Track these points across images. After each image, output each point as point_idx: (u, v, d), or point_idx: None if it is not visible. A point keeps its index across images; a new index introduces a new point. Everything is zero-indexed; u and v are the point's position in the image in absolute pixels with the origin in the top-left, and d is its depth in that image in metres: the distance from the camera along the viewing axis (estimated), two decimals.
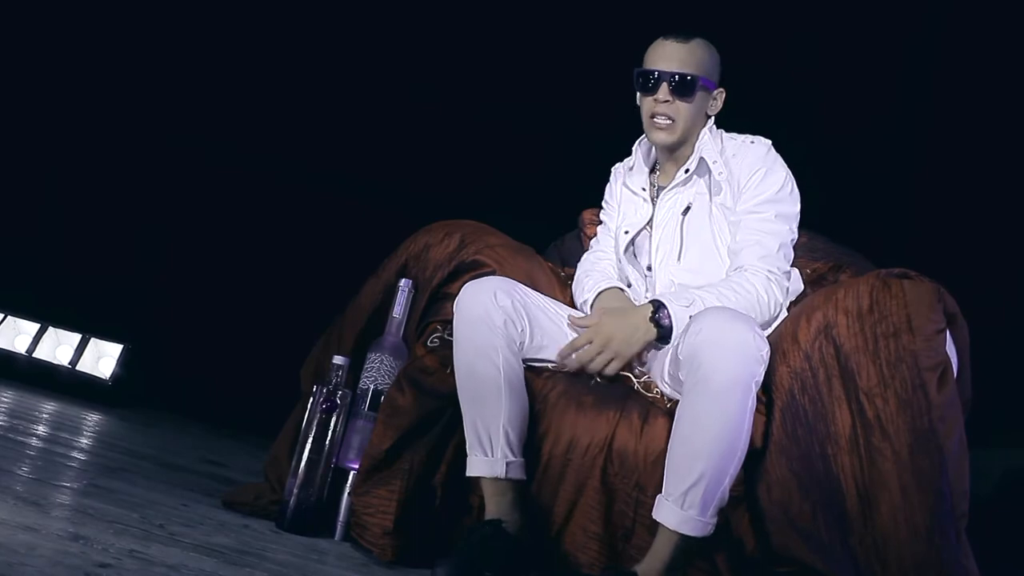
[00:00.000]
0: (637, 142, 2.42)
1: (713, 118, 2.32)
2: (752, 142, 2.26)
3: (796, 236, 2.22)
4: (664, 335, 2.07)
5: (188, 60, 4.02)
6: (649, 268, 2.31)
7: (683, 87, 2.22)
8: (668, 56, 2.25)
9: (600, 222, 2.53)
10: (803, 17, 3.40)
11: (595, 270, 2.41)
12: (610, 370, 2.10)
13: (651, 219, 2.33)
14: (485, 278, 2.10)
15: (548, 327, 2.13)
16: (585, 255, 2.50)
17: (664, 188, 2.32)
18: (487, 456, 2.00)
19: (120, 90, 4.06)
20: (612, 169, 2.52)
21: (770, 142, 2.28)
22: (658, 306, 2.09)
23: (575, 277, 2.44)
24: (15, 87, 4.09)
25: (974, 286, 2.95)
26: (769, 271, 2.13)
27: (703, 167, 2.26)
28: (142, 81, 4.06)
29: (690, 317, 1.98)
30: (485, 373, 1.99)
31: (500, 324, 2.00)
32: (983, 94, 3.24)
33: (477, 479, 2.03)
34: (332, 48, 3.94)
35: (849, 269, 2.42)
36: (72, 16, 4.07)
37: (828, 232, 2.56)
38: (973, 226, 3.18)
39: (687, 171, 2.27)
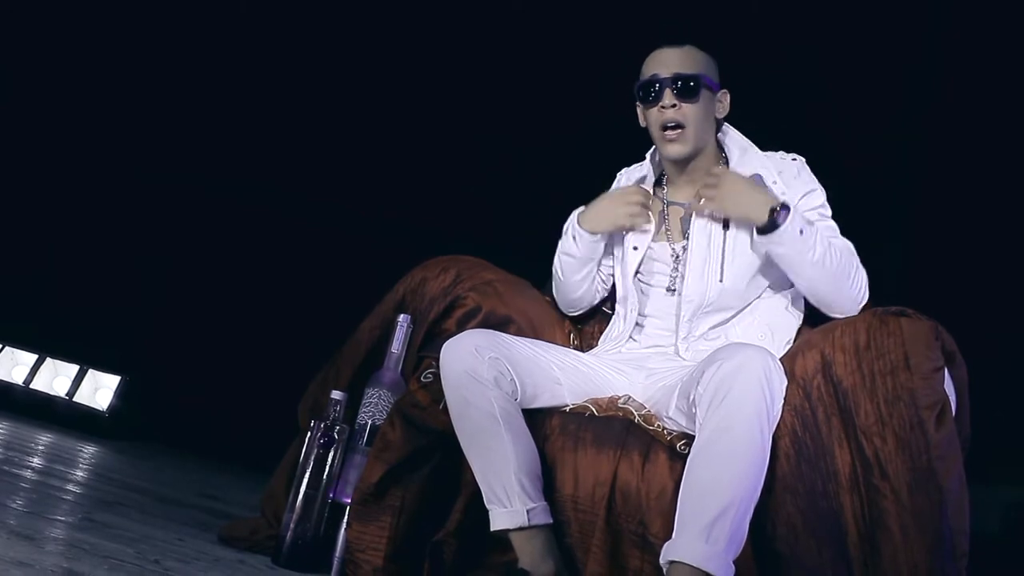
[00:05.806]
0: (650, 151, 2.36)
1: (725, 124, 2.28)
2: (793, 159, 2.24)
3: None
4: (772, 225, 2.02)
5: (188, 92, 4.06)
6: (671, 289, 2.20)
7: (687, 88, 2.18)
8: (665, 61, 2.21)
9: None
10: (802, 23, 3.37)
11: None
12: (711, 207, 2.12)
13: (656, 233, 2.25)
14: (463, 333, 2.05)
15: (537, 375, 2.04)
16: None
17: (679, 202, 2.25)
18: (505, 507, 1.93)
19: (118, 120, 4.10)
20: (618, 174, 2.46)
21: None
22: (783, 206, 2.04)
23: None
24: (14, 116, 4.12)
25: (976, 287, 2.94)
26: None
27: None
28: (141, 113, 4.09)
29: (801, 231, 1.99)
30: (485, 426, 1.94)
31: (486, 374, 1.95)
32: (985, 99, 3.17)
33: (504, 532, 1.94)
34: (330, 79, 3.97)
35: None
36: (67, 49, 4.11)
37: None
38: (974, 242, 3.12)
39: None
